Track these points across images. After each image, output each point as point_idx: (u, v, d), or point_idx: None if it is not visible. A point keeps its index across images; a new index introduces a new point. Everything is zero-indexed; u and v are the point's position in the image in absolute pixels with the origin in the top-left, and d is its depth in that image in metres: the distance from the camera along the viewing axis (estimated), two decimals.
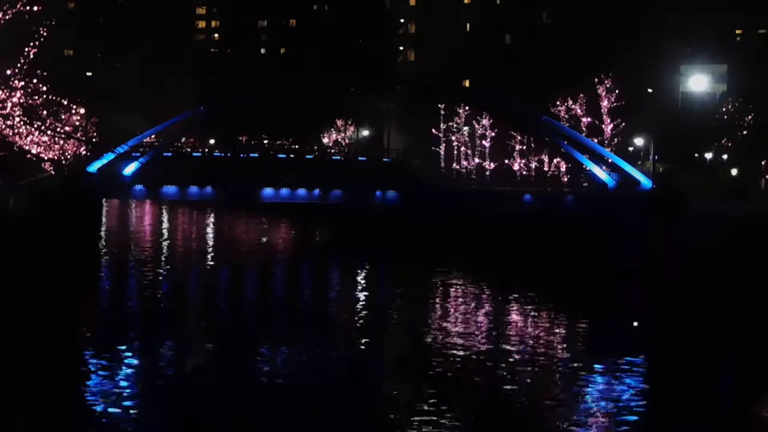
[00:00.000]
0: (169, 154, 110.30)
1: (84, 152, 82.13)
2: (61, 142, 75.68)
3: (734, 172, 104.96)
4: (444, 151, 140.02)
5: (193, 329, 54.33)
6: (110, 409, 36.25)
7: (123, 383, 40.37)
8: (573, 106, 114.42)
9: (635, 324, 60.65)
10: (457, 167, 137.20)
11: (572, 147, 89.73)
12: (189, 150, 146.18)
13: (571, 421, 36.50)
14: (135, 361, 44.58)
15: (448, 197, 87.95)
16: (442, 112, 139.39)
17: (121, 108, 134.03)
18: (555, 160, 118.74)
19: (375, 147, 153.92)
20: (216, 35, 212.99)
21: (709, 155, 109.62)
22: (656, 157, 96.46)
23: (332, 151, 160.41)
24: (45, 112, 71.30)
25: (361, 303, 65.22)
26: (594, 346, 51.23)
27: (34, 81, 65.38)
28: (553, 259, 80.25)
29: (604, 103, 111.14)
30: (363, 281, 76.48)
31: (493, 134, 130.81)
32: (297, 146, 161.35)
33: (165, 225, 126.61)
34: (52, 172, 75.97)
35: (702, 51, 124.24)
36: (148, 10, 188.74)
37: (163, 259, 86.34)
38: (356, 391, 40.88)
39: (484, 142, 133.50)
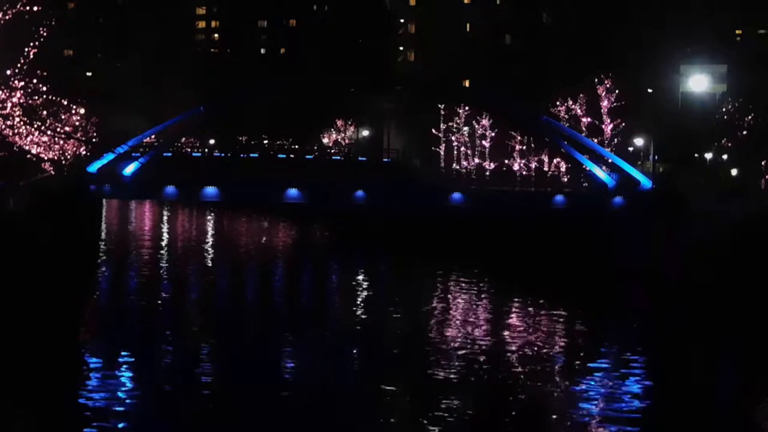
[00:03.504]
0: (169, 154, 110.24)
1: (84, 152, 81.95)
2: (61, 142, 75.53)
3: (734, 172, 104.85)
4: (444, 151, 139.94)
5: (193, 329, 54.34)
6: (110, 410, 36.25)
7: (123, 383, 40.38)
8: (573, 106, 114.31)
9: (635, 324, 60.66)
10: (457, 167, 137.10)
11: (572, 147, 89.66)
12: (189, 150, 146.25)
13: (572, 420, 36.50)
14: (135, 361, 44.57)
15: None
16: (442, 112, 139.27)
17: (121, 108, 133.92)
18: (555, 160, 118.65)
19: (375, 147, 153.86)
20: (216, 35, 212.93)
21: (709, 155, 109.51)
22: (656, 157, 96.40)
23: (332, 151, 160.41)
24: (45, 112, 71.15)
25: (360, 303, 65.22)
26: (594, 346, 51.25)
27: (34, 81, 65.25)
28: (553, 259, 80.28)
29: (604, 103, 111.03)
30: (362, 282, 76.46)
31: (493, 134, 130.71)
32: (297, 146, 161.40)
33: (165, 225, 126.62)
34: (52, 172, 75.89)
35: (702, 51, 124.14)
36: (148, 10, 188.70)
37: (162, 259, 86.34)
38: (355, 391, 40.89)
39: (484, 142, 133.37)
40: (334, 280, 78.65)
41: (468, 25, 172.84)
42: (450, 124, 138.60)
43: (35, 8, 60.97)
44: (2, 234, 53.97)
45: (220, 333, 53.61)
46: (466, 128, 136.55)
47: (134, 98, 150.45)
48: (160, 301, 64.52)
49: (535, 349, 49.23)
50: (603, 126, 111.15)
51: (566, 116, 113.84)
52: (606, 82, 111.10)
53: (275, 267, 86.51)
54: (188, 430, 35.52)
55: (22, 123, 64.86)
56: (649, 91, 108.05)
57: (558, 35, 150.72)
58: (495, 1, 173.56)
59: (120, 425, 34.67)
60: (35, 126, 66.82)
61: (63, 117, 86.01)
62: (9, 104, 62.94)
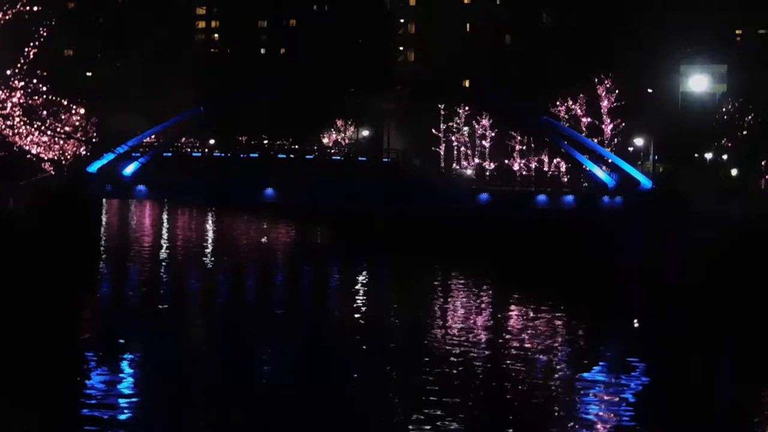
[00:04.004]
0: (169, 154, 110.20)
1: (84, 152, 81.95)
2: (61, 142, 75.55)
3: (734, 172, 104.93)
4: (444, 151, 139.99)
5: (192, 329, 54.35)
6: (110, 409, 36.24)
7: (123, 383, 40.38)
8: (573, 106, 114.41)
9: (635, 324, 60.66)
10: (457, 167, 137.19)
11: (572, 147, 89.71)
12: (189, 150, 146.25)
13: (571, 421, 36.49)
14: (135, 361, 44.57)
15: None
16: (442, 112, 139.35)
17: (121, 108, 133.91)
18: (555, 160, 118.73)
19: (375, 147, 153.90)
20: (216, 35, 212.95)
21: (709, 155, 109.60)
22: (656, 157, 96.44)
23: (332, 151, 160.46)
24: (45, 112, 71.18)
25: (360, 303, 65.21)
26: (594, 346, 51.23)
27: (34, 81, 65.33)
28: (554, 258, 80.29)
29: (604, 103, 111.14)
30: (362, 282, 76.45)
31: (493, 134, 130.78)
32: (297, 146, 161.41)
33: (165, 225, 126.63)
34: (52, 172, 75.91)
35: (702, 51, 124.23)
36: (148, 10, 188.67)
37: (162, 259, 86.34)
38: (355, 391, 40.88)
39: (484, 142, 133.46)
40: (333, 280, 78.62)
41: (468, 25, 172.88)
42: (450, 124, 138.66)
43: (35, 8, 61.06)
44: (2, 234, 54.01)
45: (221, 332, 53.60)
46: (466, 128, 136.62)
47: (134, 98, 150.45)
48: (160, 301, 64.49)
49: (535, 349, 49.21)
50: (603, 126, 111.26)
51: (566, 116, 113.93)
52: (606, 82, 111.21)
53: (275, 267, 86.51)
54: (188, 430, 35.51)
55: (22, 123, 64.92)
56: (649, 91, 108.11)
57: (558, 35, 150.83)
58: (495, 1, 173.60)
59: (120, 425, 34.67)
60: (35, 126, 66.88)
61: (63, 117, 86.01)
62: (9, 104, 63.01)
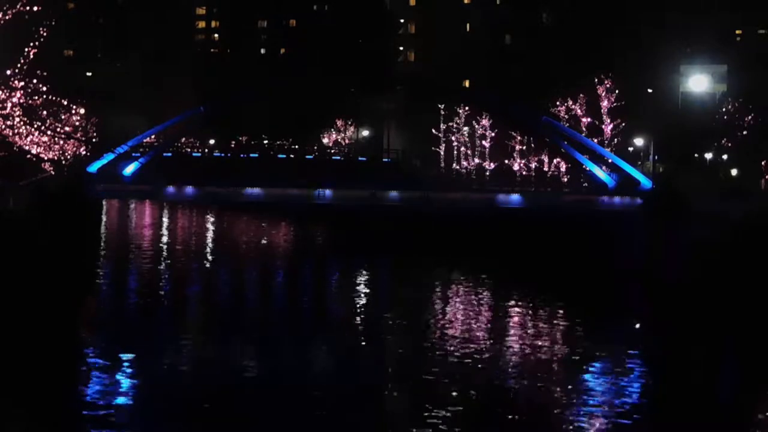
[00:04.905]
0: (169, 154, 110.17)
1: (84, 152, 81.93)
2: (61, 142, 75.53)
3: (734, 172, 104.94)
4: (444, 151, 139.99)
5: (192, 329, 54.37)
6: (110, 409, 36.26)
7: (123, 383, 40.40)
8: (573, 106, 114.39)
9: (635, 324, 60.67)
10: (457, 167, 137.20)
11: (572, 147, 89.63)
12: (189, 150, 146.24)
13: (571, 421, 36.51)
14: (135, 361, 44.58)
15: None
16: (442, 112, 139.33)
17: (121, 108, 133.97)
18: (555, 160, 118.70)
19: (375, 147, 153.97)
20: (216, 35, 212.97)
21: (709, 155, 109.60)
22: (656, 157, 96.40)
23: (332, 151, 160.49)
24: (45, 112, 71.18)
25: (360, 303, 65.23)
26: (594, 346, 51.24)
27: (34, 81, 65.32)
28: (553, 258, 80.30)
29: (604, 103, 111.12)
30: (362, 282, 76.46)
31: (493, 134, 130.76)
32: (297, 146, 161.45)
33: (165, 225, 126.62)
34: (52, 172, 75.89)
35: (702, 51, 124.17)
36: (148, 10, 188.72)
37: (162, 259, 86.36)
38: (355, 392, 40.89)
39: (484, 142, 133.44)
40: (334, 280, 78.64)
41: (468, 25, 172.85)
42: (450, 124, 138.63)
43: (35, 8, 61.04)
44: (2, 234, 54.00)
45: (221, 332, 53.62)
46: (466, 128, 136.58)
47: (134, 98, 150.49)
48: (160, 301, 64.54)
49: (535, 349, 49.23)
50: (603, 126, 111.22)
51: (566, 116, 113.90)
52: (606, 82, 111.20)
53: (275, 267, 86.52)
54: (188, 430, 35.52)
55: (22, 123, 64.90)
56: (649, 91, 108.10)
57: (558, 35, 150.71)
58: (495, 1, 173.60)
59: (120, 425, 34.68)
60: (35, 126, 66.85)
61: (63, 117, 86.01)
62: (9, 104, 62.99)
